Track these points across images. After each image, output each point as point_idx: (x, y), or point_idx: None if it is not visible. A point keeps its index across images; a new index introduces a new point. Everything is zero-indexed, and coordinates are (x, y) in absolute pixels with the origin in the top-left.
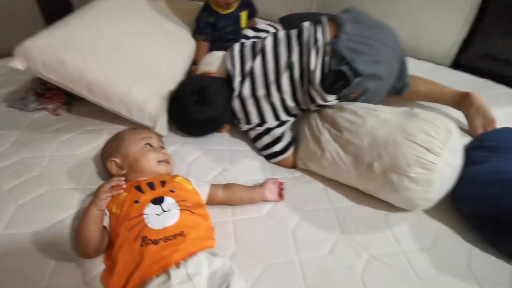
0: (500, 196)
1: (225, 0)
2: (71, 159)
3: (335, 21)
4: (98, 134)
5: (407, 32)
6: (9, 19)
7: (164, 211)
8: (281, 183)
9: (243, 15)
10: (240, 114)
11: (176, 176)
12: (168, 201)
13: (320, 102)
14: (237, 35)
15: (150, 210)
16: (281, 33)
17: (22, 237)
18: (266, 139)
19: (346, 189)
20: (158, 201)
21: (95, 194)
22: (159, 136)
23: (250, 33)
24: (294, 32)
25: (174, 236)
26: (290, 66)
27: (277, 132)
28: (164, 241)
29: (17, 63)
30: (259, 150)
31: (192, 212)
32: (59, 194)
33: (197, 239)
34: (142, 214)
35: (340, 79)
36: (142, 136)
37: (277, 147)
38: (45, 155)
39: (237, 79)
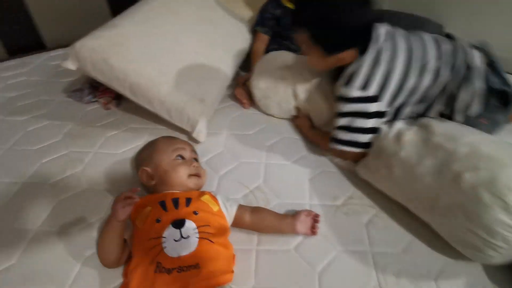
0: None
1: None
2: (111, 158)
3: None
4: (139, 134)
5: None
6: (78, 11)
7: (183, 237)
8: (316, 216)
9: None
10: (360, 70)
11: (204, 193)
12: (189, 225)
13: (458, 118)
14: None
15: (169, 234)
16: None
17: (56, 236)
18: (361, 123)
19: (393, 231)
20: (178, 224)
21: (112, 205)
22: (195, 143)
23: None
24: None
25: (188, 267)
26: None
27: (379, 122)
28: (178, 272)
29: (69, 64)
30: (337, 128)
31: (211, 241)
32: (95, 194)
33: (212, 273)
34: (161, 237)
35: (498, 100)
36: (175, 147)
37: (363, 138)
38: (89, 151)
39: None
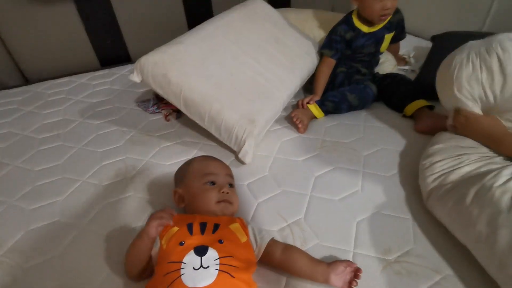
0: None
1: (381, 11)
2: (159, 169)
3: None
4: (190, 148)
5: None
6: (160, 28)
7: (203, 266)
8: (357, 270)
9: (388, 37)
10: None
11: (234, 220)
12: (211, 254)
13: None
14: (371, 58)
15: (190, 260)
16: None
17: (97, 236)
18: None
19: None
20: (201, 251)
21: (147, 221)
22: (241, 164)
23: None
24: None
25: None
26: None
27: None
28: None
29: (135, 76)
30: None
31: (232, 276)
32: (138, 202)
33: None
34: (181, 262)
35: None
36: (207, 171)
37: None
38: (143, 159)
39: None
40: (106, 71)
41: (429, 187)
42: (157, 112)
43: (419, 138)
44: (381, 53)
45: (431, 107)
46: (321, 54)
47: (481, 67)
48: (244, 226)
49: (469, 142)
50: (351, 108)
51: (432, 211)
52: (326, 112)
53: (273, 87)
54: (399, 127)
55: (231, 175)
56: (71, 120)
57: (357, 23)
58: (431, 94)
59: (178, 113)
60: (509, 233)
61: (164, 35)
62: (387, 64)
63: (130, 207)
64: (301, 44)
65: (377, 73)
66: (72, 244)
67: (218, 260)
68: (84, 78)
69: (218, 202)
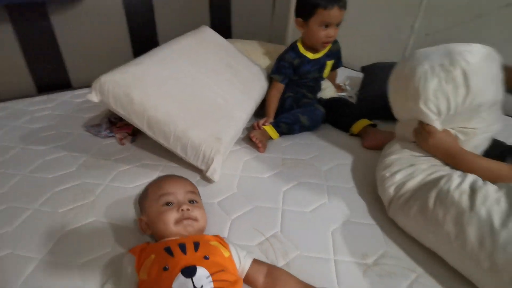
0: None
1: (325, 38)
2: (121, 192)
3: None
4: (152, 170)
5: None
6: (104, 54)
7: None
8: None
9: (329, 64)
10: None
11: (210, 238)
12: (201, 273)
13: None
14: (315, 83)
15: (180, 284)
16: None
17: (58, 266)
18: None
19: None
20: (189, 272)
21: None
22: (208, 183)
23: None
24: None
25: None
26: None
27: None
28: None
29: (93, 96)
30: None
31: None
32: (102, 227)
33: None
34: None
35: None
36: (162, 192)
37: None
38: (101, 183)
39: None
40: (44, 97)
41: (389, 196)
42: (110, 136)
43: (368, 153)
44: (323, 79)
45: (373, 125)
46: (270, 79)
47: (446, 80)
48: (223, 242)
49: (420, 151)
50: (303, 129)
51: (394, 220)
52: (281, 133)
53: (233, 108)
54: (348, 145)
55: (192, 191)
56: (10, 146)
57: (302, 50)
58: (370, 115)
59: (133, 137)
60: (476, 230)
61: (109, 62)
62: (328, 90)
63: (93, 233)
64: (251, 70)
65: (321, 98)
66: (30, 279)
67: (211, 277)
68: (20, 104)
69: (178, 222)
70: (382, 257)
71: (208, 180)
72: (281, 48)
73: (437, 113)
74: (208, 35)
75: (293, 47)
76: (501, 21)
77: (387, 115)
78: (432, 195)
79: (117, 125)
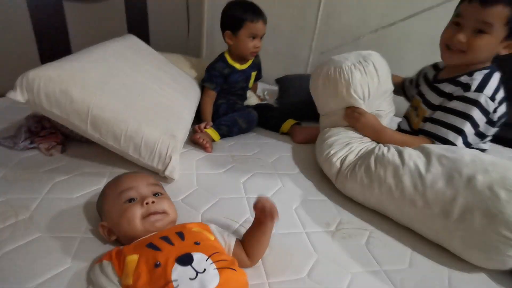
0: None
1: (253, 49)
2: (65, 203)
3: None
4: (97, 177)
5: None
6: (6, 60)
7: (199, 272)
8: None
9: (253, 75)
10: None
11: (191, 225)
12: (199, 257)
13: None
14: (243, 92)
15: (180, 274)
16: None
17: None
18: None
19: (393, 248)
20: (186, 260)
21: None
22: (166, 183)
23: None
24: None
25: None
26: None
27: None
28: None
29: (18, 95)
30: None
31: (233, 269)
32: (51, 242)
33: None
34: (170, 281)
35: None
36: (121, 188)
37: None
38: (35, 197)
39: None
40: None
41: (336, 169)
42: (31, 148)
43: (300, 146)
44: (249, 88)
45: (299, 123)
46: (202, 88)
47: (366, 72)
48: (204, 226)
49: (352, 133)
50: (241, 130)
51: (342, 189)
52: (222, 135)
53: (179, 108)
54: (282, 141)
55: (155, 183)
56: None
57: (230, 61)
58: (291, 117)
59: (63, 146)
60: (410, 178)
61: (12, 68)
62: (252, 99)
63: (43, 250)
64: (184, 76)
65: (248, 105)
66: None
67: (210, 259)
68: None
69: (144, 217)
70: (340, 224)
71: (166, 180)
72: (204, 61)
73: (363, 98)
74: (136, 42)
75: (222, 58)
76: (372, 42)
77: (305, 116)
78: (372, 160)
79: (39, 135)
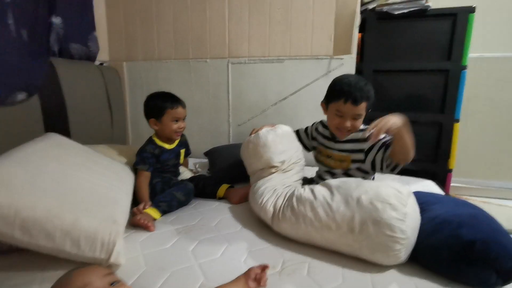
0: (447, 236)
1: (177, 129)
2: None
3: None
4: (26, 287)
5: None
6: None
7: None
8: (264, 267)
9: (182, 152)
10: None
11: None
12: None
13: None
14: (175, 168)
15: None
16: None
17: None
18: None
19: (328, 269)
20: None
21: None
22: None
23: None
24: None
25: None
26: None
27: None
28: None
29: None
30: None
31: None
32: None
33: None
34: None
35: None
36: (104, 272)
37: None
38: None
39: None
40: None
41: (271, 213)
42: None
43: (237, 206)
44: (181, 164)
45: (232, 186)
46: (136, 170)
47: (276, 134)
48: None
49: (275, 181)
50: (180, 204)
51: (279, 231)
52: (162, 212)
53: (116, 194)
54: (221, 205)
55: (109, 272)
56: None
57: (159, 143)
58: (225, 182)
59: None
60: (321, 208)
61: None
62: (185, 173)
63: None
64: (115, 163)
65: (182, 179)
66: None
67: None
68: None
69: None
70: (284, 263)
71: (111, 267)
72: (132, 148)
73: (280, 153)
74: (58, 139)
75: (151, 141)
76: (275, 112)
77: (235, 179)
78: (294, 200)
79: None
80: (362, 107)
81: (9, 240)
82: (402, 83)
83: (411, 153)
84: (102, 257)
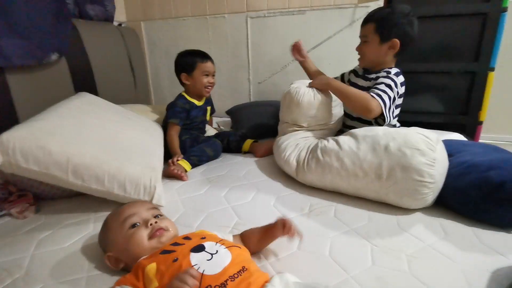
0: (475, 178)
1: (207, 84)
2: (58, 253)
3: None
4: (83, 224)
5: None
6: None
7: (213, 254)
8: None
9: (208, 109)
10: None
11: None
12: (209, 245)
13: None
14: (203, 125)
15: (198, 259)
16: None
17: None
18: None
19: (354, 212)
20: (198, 248)
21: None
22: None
23: None
24: None
25: (238, 273)
26: None
27: None
28: (231, 280)
29: None
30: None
31: (239, 247)
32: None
33: (259, 271)
34: (192, 266)
35: None
36: (124, 216)
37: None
38: (24, 256)
39: None
40: None
41: (294, 166)
42: (1, 216)
43: (261, 159)
44: (207, 121)
45: (256, 141)
46: (165, 124)
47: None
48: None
49: (297, 135)
50: (209, 158)
51: (304, 181)
52: (193, 165)
53: (150, 146)
54: (247, 158)
55: (154, 207)
56: None
57: (189, 98)
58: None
59: (36, 206)
60: (348, 158)
61: None
62: (210, 131)
63: None
64: (145, 119)
65: (209, 136)
66: None
67: (219, 243)
68: None
69: (151, 237)
70: (311, 206)
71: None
72: (157, 107)
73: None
74: (92, 97)
75: (181, 97)
76: (296, 68)
77: (258, 135)
78: (319, 152)
79: (7, 200)
80: (368, 29)
81: (66, 185)
82: (433, 30)
83: (354, 103)
84: (145, 199)
